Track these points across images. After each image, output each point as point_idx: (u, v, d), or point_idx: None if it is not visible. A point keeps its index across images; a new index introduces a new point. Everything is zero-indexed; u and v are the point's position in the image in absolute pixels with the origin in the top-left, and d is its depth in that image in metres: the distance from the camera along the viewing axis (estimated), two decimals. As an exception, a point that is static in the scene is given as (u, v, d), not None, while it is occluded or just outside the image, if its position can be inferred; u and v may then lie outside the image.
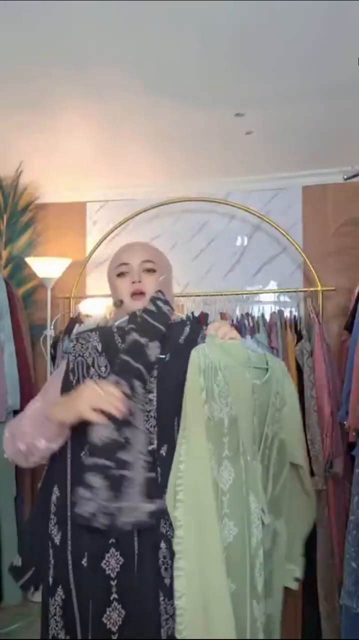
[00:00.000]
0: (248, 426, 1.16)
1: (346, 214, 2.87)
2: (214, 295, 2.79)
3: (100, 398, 1.09)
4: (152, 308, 1.26)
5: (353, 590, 1.81)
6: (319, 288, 2.65)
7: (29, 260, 2.94)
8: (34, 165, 2.81)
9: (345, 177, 2.71)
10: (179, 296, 2.80)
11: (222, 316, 2.70)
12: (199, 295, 2.79)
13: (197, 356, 1.14)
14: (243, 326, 2.62)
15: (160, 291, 1.29)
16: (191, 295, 2.81)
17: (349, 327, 2.43)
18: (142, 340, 1.21)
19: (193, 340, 1.26)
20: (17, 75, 1.97)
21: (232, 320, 2.68)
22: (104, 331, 1.29)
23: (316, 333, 2.50)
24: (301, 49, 1.80)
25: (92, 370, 1.23)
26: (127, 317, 1.27)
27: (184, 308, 2.79)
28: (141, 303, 1.27)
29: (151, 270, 1.30)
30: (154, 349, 1.21)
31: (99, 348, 1.25)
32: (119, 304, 1.30)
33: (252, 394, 1.18)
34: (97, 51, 1.82)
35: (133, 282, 1.28)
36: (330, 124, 2.35)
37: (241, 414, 1.15)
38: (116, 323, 1.30)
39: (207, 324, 1.30)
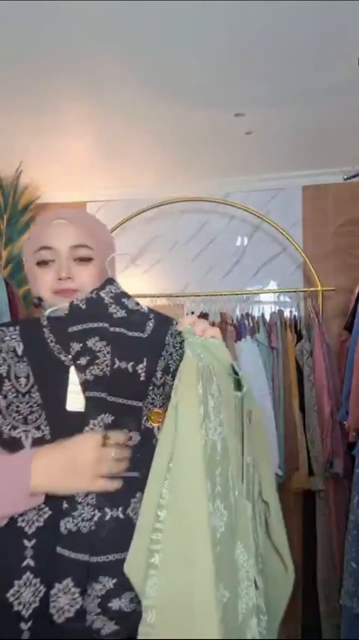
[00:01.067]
0: (235, 454, 0.90)
1: (346, 214, 2.87)
2: (214, 295, 2.79)
3: (109, 459, 0.83)
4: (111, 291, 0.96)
5: (353, 590, 1.81)
6: (319, 288, 2.65)
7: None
8: (34, 165, 2.81)
9: (345, 177, 2.71)
10: (179, 296, 2.81)
11: (222, 316, 2.70)
12: (199, 295, 2.79)
13: (194, 356, 0.83)
14: (243, 326, 2.62)
15: (111, 279, 0.97)
16: (191, 295, 2.81)
17: (349, 327, 2.44)
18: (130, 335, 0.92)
19: (159, 339, 0.97)
20: (17, 76, 1.97)
21: (233, 320, 2.68)
22: (27, 325, 0.96)
23: (316, 333, 2.50)
24: (301, 49, 1.80)
25: (5, 384, 0.89)
26: (66, 305, 0.93)
27: (184, 308, 2.79)
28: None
29: (85, 260, 0.97)
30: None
31: (19, 350, 0.92)
32: (37, 302, 0.97)
33: (234, 409, 0.93)
34: (97, 51, 1.82)
35: (59, 279, 0.95)
36: (330, 124, 2.35)
37: (230, 435, 0.88)
38: (47, 312, 0.94)
39: (176, 322, 1.00)
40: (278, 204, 2.98)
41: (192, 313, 2.72)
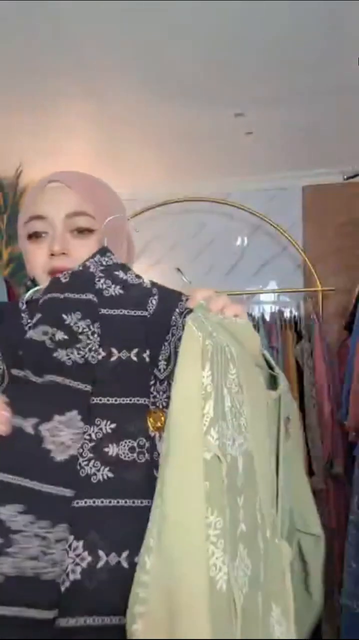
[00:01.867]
0: (266, 474, 0.63)
1: (346, 214, 2.87)
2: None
3: None
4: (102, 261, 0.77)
5: (352, 590, 1.81)
6: (319, 288, 2.65)
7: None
8: (34, 165, 2.80)
9: (345, 177, 2.71)
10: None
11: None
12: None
13: (197, 328, 0.56)
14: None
15: (106, 247, 0.78)
16: (191, 295, 2.80)
17: (349, 327, 2.44)
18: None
19: (164, 318, 0.75)
20: (17, 76, 1.97)
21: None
22: (4, 309, 0.80)
23: (316, 333, 2.50)
24: (301, 49, 1.80)
25: None
26: (45, 286, 0.75)
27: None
28: None
29: (84, 231, 0.78)
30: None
31: None
32: (31, 285, 0.79)
33: (266, 415, 0.67)
34: (97, 51, 1.82)
35: (52, 254, 0.76)
36: (330, 124, 2.35)
37: (257, 450, 0.61)
38: (26, 295, 0.77)
39: (185, 297, 0.76)
40: (278, 204, 2.98)
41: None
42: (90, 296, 0.72)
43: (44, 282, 0.76)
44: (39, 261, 0.78)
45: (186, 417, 0.52)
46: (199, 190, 2.96)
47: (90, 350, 0.68)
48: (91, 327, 0.70)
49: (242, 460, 0.57)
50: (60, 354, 0.67)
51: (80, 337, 0.69)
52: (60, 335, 0.68)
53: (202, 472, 0.50)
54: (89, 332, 0.69)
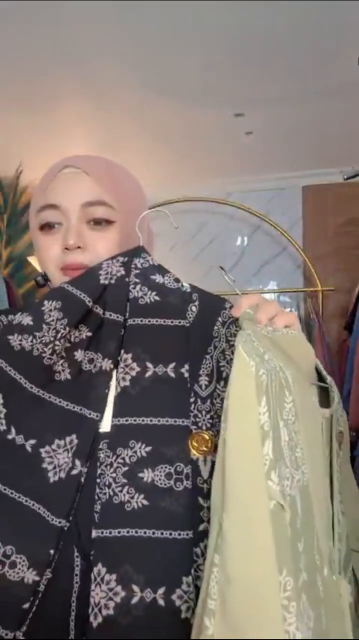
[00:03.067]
0: (322, 505, 0.58)
1: (346, 214, 2.87)
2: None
3: None
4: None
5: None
6: (319, 288, 2.65)
7: (31, 259, 2.94)
8: (34, 165, 2.80)
9: (345, 177, 2.71)
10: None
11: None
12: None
13: (248, 355, 0.49)
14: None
15: (142, 247, 0.71)
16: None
17: (349, 327, 2.44)
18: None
19: (205, 329, 0.66)
20: (17, 76, 1.97)
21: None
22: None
23: (316, 333, 2.50)
24: (301, 49, 1.80)
25: None
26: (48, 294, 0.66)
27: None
28: None
29: (102, 223, 0.69)
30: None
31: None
32: (41, 282, 0.72)
33: (321, 437, 0.61)
34: (97, 52, 1.82)
35: (66, 248, 0.67)
36: (330, 124, 2.35)
37: (314, 482, 0.55)
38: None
39: (229, 305, 0.67)
40: (278, 204, 2.98)
41: None
42: (82, 296, 0.64)
43: (56, 279, 0.69)
44: (51, 255, 0.69)
45: (245, 462, 0.45)
46: (199, 190, 2.96)
47: (41, 342, 0.63)
48: (59, 321, 0.64)
49: (300, 497, 0.50)
50: (14, 337, 0.63)
51: (44, 326, 0.64)
52: (27, 320, 0.64)
53: (269, 526, 0.43)
54: (52, 327, 0.63)
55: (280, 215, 2.92)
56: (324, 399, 0.64)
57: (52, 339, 0.62)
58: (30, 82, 2.01)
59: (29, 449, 0.60)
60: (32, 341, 0.62)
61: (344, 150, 2.61)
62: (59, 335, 0.62)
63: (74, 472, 0.58)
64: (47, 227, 0.70)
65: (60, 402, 0.62)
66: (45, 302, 0.63)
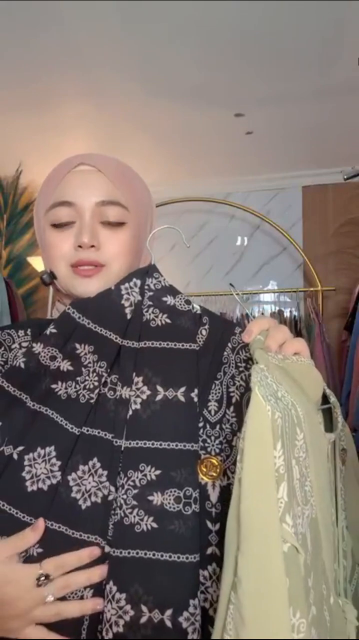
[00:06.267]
0: (329, 532, 0.58)
1: (346, 214, 2.87)
2: (214, 295, 2.78)
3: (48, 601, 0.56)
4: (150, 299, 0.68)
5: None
6: (319, 288, 2.65)
7: (31, 259, 2.95)
8: (34, 165, 2.81)
9: (345, 177, 2.71)
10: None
11: (222, 316, 2.69)
12: (199, 295, 2.79)
13: (266, 397, 0.49)
14: (243, 326, 2.62)
15: (153, 266, 0.70)
16: (191, 295, 2.81)
17: (349, 327, 2.44)
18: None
19: (215, 353, 0.67)
20: (18, 77, 1.97)
21: (233, 320, 2.68)
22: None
23: (316, 333, 2.50)
24: (301, 50, 1.80)
25: None
26: (59, 316, 0.67)
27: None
28: (93, 284, 0.67)
29: (116, 224, 0.68)
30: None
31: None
32: (47, 279, 0.70)
33: (328, 463, 0.61)
34: (98, 52, 1.82)
35: (79, 246, 0.66)
36: (330, 124, 2.35)
37: (322, 511, 0.56)
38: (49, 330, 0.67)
39: (239, 329, 0.69)
40: (278, 204, 2.98)
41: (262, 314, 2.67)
42: (113, 337, 0.64)
43: (66, 276, 0.68)
44: (63, 252, 0.67)
45: (260, 505, 0.46)
46: (199, 190, 2.96)
47: (85, 388, 0.63)
48: (97, 363, 0.64)
49: (309, 533, 0.51)
50: (59, 386, 0.64)
51: (83, 370, 0.64)
52: (65, 365, 0.64)
53: (283, 570, 0.44)
54: (92, 369, 0.64)
55: (280, 215, 2.92)
56: (328, 420, 0.64)
57: (96, 383, 0.63)
58: (30, 83, 2.02)
59: (59, 477, 0.60)
60: (76, 387, 0.63)
61: (344, 150, 2.61)
62: (103, 379, 0.63)
63: (111, 497, 0.59)
64: (59, 225, 0.68)
65: (88, 430, 0.62)
66: (77, 344, 0.64)
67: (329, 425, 0.64)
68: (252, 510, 0.45)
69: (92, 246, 0.66)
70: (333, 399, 0.64)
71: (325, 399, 0.64)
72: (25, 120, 2.33)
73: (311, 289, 2.72)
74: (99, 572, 0.56)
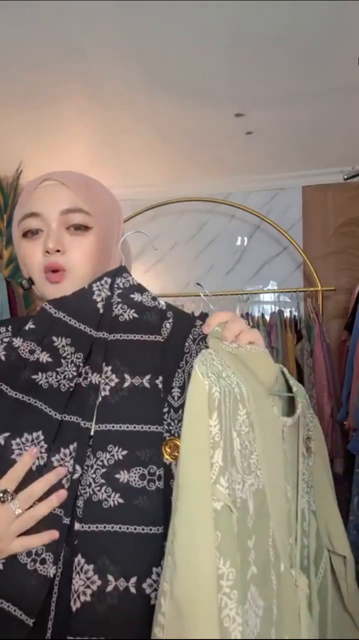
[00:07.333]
0: (281, 506, 0.64)
1: (346, 214, 2.87)
2: (214, 295, 2.78)
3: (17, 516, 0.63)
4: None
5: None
6: (319, 288, 2.65)
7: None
8: (34, 165, 2.81)
9: (345, 177, 2.71)
10: (179, 296, 2.81)
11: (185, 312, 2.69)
12: (199, 295, 2.79)
13: (205, 373, 0.55)
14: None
15: (123, 267, 0.78)
16: (191, 295, 2.81)
17: (349, 327, 2.44)
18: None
19: (177, 344, 0.75)
20: (18, 75, 1.97)
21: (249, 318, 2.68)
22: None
23: (316, 333, 2.50)
24: (301, 50, 1.80)
25: None
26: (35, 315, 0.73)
27: (184, 309, 2.79)
28: (62, 290, 0.74)
29: (80, 228, 0.75)
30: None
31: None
32: (27, 284, 0.77)
33: (282, 443, 0.67)
34: (98, 52, 1.82)
35: (47, 252, 0.73)
36: (330, 124, 2.35)
37: (271, 484, 0.61)
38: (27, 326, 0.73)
39: (200, 317, 0.79)
40: (278, 204, 2.98)
41: (192, 313, 2.69)
42: (88, 330, 0.71)
43: (40, 281, 0.75)
44: (34, 260, 0.75)
45: (195, 468, 0.51)
46: (199, 190, 2.96)
47: (65, 378, 0.69)
48: (74, 355, 0.70)
49: (253, 500, 0.57)
50: (39, 376, 0.69)
51: (62, 361, 0.69)
52: (44, 357, 0.70)
53: (211, 524, 0.50)
54: (70, 360, 0.70)
55: (280, 215, 2.92)
56: (292, 407, 0.70)
57: (74, 373, 0.69)
58: (30, 81, 2.02)
59: (46, 459, 0.66)
60: (56, 377, 0.69)
61: (344, 150, 2.61)
62: (79, 370, 0.69)
63: (75, 476, 0.64)
64: (29, 233, 0.76)
65: (65, 417, 0.68)
66: (54, 338, 0.70)
67: (293, 412, 0.70)
68: (187, 472, 0.51)
69: (58, 251, 0.73)
70: (296, 388, 0.70)
71: (288, 387, 0.71)
72: (25, 120, 2.33)
73: (311, 289, 2.72)
74: (62, 492, 0.63)
